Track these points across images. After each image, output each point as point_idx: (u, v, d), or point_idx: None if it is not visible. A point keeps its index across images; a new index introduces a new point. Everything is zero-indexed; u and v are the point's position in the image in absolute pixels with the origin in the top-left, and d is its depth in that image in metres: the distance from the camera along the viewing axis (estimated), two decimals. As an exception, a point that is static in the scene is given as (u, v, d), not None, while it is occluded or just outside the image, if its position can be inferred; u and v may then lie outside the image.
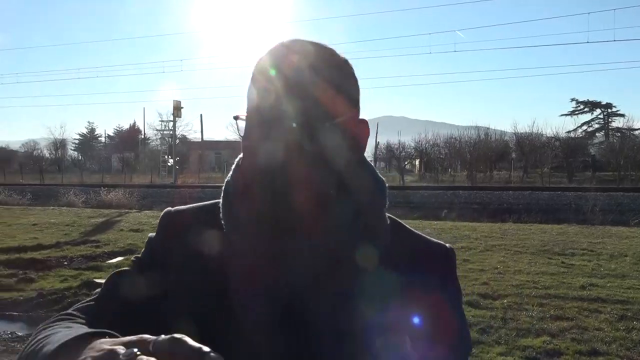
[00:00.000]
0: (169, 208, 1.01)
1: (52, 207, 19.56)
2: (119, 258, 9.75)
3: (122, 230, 13.15)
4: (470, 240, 10.50)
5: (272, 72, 0.82)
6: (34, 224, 14.11)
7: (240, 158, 0.92)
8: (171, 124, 43.67)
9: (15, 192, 23.94)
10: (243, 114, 0.86)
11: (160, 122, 53.32)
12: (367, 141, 0.91)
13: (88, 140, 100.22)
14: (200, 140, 71.65)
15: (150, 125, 71.32)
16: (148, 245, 0.98)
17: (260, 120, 0.81)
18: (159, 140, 58.64)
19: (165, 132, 52.92)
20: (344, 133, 0.84)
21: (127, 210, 18.16)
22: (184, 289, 0.90)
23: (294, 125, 0.79)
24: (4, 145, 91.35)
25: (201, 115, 59.55)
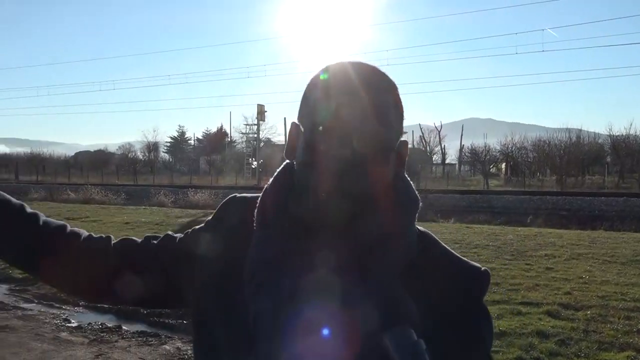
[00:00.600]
0: (236, 194, 1.08)
1: (143, 207, 20.63)
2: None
3: (206, 230, 13.65)
4: (556, 248, 10.08)
5: (344, 94, 0.86)
6: (126, 222, 14.97)
7: (285, 165, 0.98)
8: (256, 127, 44.82)
9: (111, 192, 25.40)
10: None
11: (244, 126, 54.86)
12: (406, 158, 0.96)
13: (178, 143, 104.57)
14: (283, 142, 72.84)
15: (236, 129, 73.47)
16: (206, 222, 1.08)
17: (327, 137, 0.85)
18: (244, 143, 60.28)
19: (249, 135, 54.36)
20: (394, 155, 0.91)
21: (212, 211, 18.56)
22: (202, 269, 0.99)
23: (351, 146, 0.84)
24: (102, 148, 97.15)
25: (285, 119, 60.63)
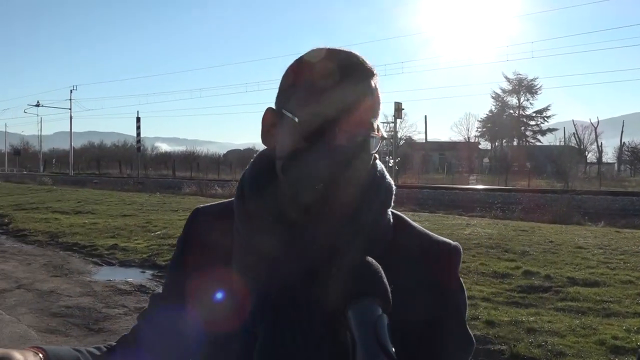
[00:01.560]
0: (199, 205, 1.07)
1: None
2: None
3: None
4: None
5: (330, 79, 0.87)
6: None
7: (262, 152, 0.99)
8: (393, 125, 44.75)
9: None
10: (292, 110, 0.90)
11: (382, 124, 54.79)
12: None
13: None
14: (424, 141, 71.96)
15: (376, 127, 73.41)
16: (176, 246, 1.08)
17: (312, 124, 0.86)
18: (384, 142, 60.45)
19: (387, 132, 54.41)
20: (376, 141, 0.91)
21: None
22: (196, 285, 0.99)
23: (337, 130, 0.85)
24: (251, 146, 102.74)
25: (425, 117, 60.01)
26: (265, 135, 0.96)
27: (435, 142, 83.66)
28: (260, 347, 0.87)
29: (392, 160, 40.98)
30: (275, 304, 0.88)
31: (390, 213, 0.96)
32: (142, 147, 47.40)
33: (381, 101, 0.93)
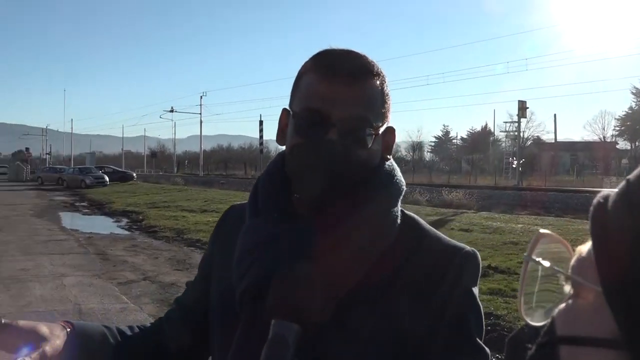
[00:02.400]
0: (235, 203, 1.12)
1: (398, 204, 21.36)
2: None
3: (452, 229, 13.61)
4: None
5: (325, 75, 0.90)
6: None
7: (280, 152, 1.01)
8: (522, 124, 42.75)
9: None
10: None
11: (504, 124, 52.62)
12: (393, 146, 0.98)
13: (442, 142, 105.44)
14: (553, 141, 68.07)
15: (500, 127, 70.96)
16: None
17: (307, 120, 0.90)
18: (509, 142, 57.94)
19: (511, 133, 52.06)
20: (377, 140, 0.92)
21: (463, 211, 18.62)
22: (214, 280, 1.03)
23: (330, 124, 0.87)
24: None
25: (554, 115, 56.71)
26: (280, 135, 0.99)
27: (566, 142, 78.88)
28: (236, 339, 0.89)
29: (515, 161, 39.12)
30: (246, 300, 0.89)
31: (398, 213, 0.94)
32: (265, 149, 49.43)
33: (386, 101, 0.94)
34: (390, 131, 0.96)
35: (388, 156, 0.97)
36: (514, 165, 38.46)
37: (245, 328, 0.89)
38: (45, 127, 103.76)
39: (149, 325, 1.13)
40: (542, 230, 0.48)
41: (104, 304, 7.00)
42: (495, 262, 9.20)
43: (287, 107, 0.98)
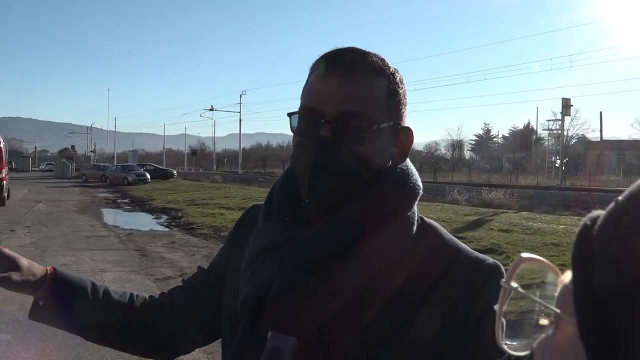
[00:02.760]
0: (257, 203, 1.09)
1: (436, 203, 21.13)
2: (479, 256, 10.00)
3: (491, 229, 13.39)
4: None
5: (320, 73, 0.90)
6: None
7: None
8: (565, 122, 41.69)
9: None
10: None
11: (548, 122, 51.34)
12: (410, 147, 0.94)
13: (483, 140, 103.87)
14: (599, 139, 66.32)
15: (543, 125, 69.45)
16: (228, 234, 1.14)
17: (303, 118, 0.91)
18: (552, 140, 56.60)
19: (555, 131, 50.81)
20: (380, 138, 0.89)
21: (503, 211, 18.26)
22: (227, 278, 1.03)
23: (323, 121, 0.87)
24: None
25: (600, 113, 55.12)
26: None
27: (613, 140, 76.72)
28: (234, 346, 0.87)
29: (558, 160, 38.17)
30: (247, 307, 0.87)
31: (414, 218, 0.90)
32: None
33: (394, 99, 0.91)
34: (406, 131, 0.93)
35: (402, 158, 0.93)
36: (557, 165, 37.52)
37: (244, 336, 0.87)
38: (90, 125, 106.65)
39: (148, 296, 1.15)
40: (523, 255, 0.44)
41: (141, 300, 7.13)
42: (535, 263, 8.98)
43: None
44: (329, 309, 0.80)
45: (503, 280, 0.43)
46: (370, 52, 0.92)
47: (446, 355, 0.82)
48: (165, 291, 1.18)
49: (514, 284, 0.43)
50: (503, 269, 0.87)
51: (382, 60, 0.92)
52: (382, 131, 0.89)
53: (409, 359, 0.83)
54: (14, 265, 1.00)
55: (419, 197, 0.92)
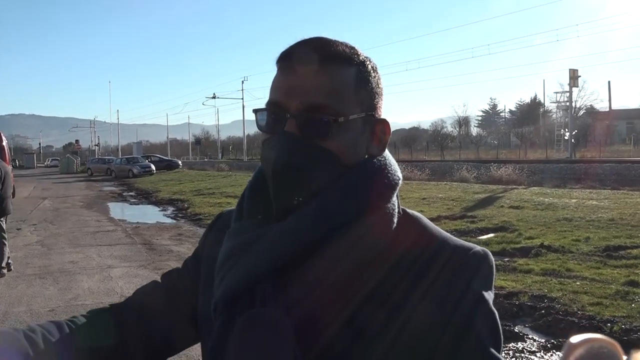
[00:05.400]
0: (223, 210, 1.07)
1: (444, 182, 21.06)
2: (490, 235, 9.92)
3: (502, 206, 13.28)
4: None
5: (284, 66, 0.87)
6: (423, 198, 15.51)
7: None
8: (573, 94, 41.16)
9: (416, 168, 26.55)
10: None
11: (555, 94, 50.68)
12: (387, 140, 0.91)
13: (490, 116, 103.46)
14: (608, 109, 65.79)
15: (550, 98, 68.70)
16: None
17: (269, 114, 0.87)
18: (561, 112, 56.10)
19: (562, 103, 50.26)
20: (349, 130, 0.85)
21: (513, 187, 18.15)
22: (199, 286, 0.98)
23: (288, 116, 0.84)
24: (415, 125, 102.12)
25: (609, 82, 54.54)
26: None
27: (622, 110, 75.86)
28: (210, 348, 0.83)
29: (567, 133, 37.79)
30: (220, 310, 0.84)
31: (393, 209, 0.86)
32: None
33: (365, 89, 0.87)
34: (381, 123, 0.90)
35: (380, 151, 0.89)
36: (566, 137, 37.16)
37: (219, 342, 0.82)
38: (93, 118, 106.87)
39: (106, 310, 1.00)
40: (573, 340, 0.39)
41: (149, 295, 7.09)
42: (548, 240, 8.91)
43: None
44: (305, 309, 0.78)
45: None
46: (337, 41, 0.88)
47: (438, 347, 0.79)
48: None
49: None
50: (491, 256, 0.86)
51: (351, 48, 0.88)
52: (352, 123, 0.85)
53: (399, 353, 0.79)
54: None
55: (397, 188, 0.89)
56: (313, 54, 0.84)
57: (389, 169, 0.89)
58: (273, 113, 0.86)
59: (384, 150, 0.91)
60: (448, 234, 0.88)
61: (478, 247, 0.86)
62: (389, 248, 0.83)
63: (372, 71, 0.89)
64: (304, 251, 0.80)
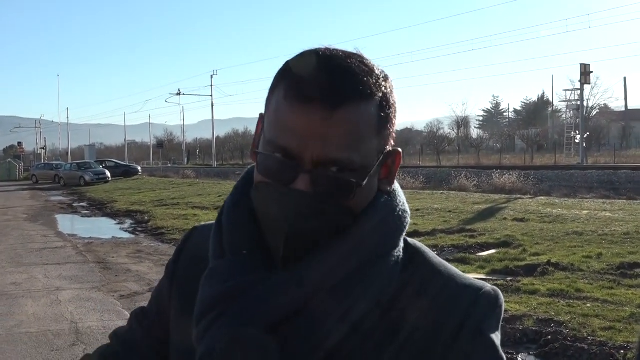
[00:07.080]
0: (197, 224, 1.07)
1: (441, 191, 21.23)
2: (492, 251, 10.01)
3: (505, 219, 13.42)
4: None
5: (299, 105, 0.79)
6: (417, 209, 15.58)
7: (244, 178, 0.94)
8: (585, 91, 41.70)
9: (409, 174, 26.71)
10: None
11: (565, 92, 51.18)
12: (395, 170, 0.89)
13: (492, 116, 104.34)
14: (623, 109, 66.78)
15: (559, 96, 69.58)
16: (166, 265, 1.08)
17: (274, 161, 0.82)
18: (571, 112, 56.85)
19: (573, 102, 50.91)
20: (369, 182, 0.83)
21: (517, 196, 18.36)
22: (172, 313, 1.00)
23: (308, 177, 0.80)
24: (408, 126, 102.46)
25: (625, 79, 55.33)
26: (252, 148, 0.90)
27: (639, 109, 77.05)
28: None
29: (578, 135, 38.30)
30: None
31: (398, 254, 0.87)
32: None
33: (385, 125, 0.83)
34: (393, 155, 0.88)
35: (389, 184, 0.89)
36: (577, 140, 37.66)
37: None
38: (39, 118, 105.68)
39: None
40: None
41: (103, 322, 7.07)
42: (556, 257, 9.02)
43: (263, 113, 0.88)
44: None
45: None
46: (362, 65, 0.81)
47: None
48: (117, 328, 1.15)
49: None
50: (502, 296, 0.88)
51: (376, 76, 0.82)
52: (372, 174, 0.83)
53: None
54: None
55: (406, 229, 0.89)
56: (337, 90, 0.78)
57: (398, 208, 0.88)
58: (280, 161, 0.81)
59: (393, 183, 0.90)
60: (455, 270, 0.89)
61: (488, 287, 0.87)
62: (394, 299, 0.84)
63: (393, 103, 0.85)
64: (299, 311, 0.80)
